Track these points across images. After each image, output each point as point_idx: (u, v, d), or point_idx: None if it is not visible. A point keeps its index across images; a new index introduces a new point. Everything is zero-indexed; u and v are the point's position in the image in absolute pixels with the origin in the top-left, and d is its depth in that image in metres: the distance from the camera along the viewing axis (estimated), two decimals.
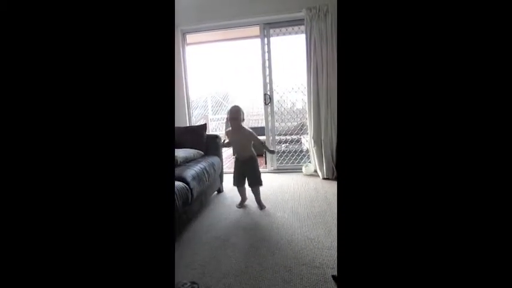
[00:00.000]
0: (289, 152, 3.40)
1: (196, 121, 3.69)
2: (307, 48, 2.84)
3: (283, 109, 3.41)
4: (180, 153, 2.17)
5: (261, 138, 2.42)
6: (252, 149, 2.19)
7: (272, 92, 3.19)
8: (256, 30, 3.14)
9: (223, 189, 2.63)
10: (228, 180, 2.43)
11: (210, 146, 2.56)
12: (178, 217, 1.66)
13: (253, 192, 2.20)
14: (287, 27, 3.11)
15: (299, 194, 2.43)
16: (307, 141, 3.26)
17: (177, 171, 1.92)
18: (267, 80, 3.17)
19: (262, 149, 2.23)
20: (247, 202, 2.27)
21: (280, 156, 3.38)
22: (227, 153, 4.55)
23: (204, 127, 2.70)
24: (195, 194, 1.86)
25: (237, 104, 2.22)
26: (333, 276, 1.24)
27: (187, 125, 3.35)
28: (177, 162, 2.07)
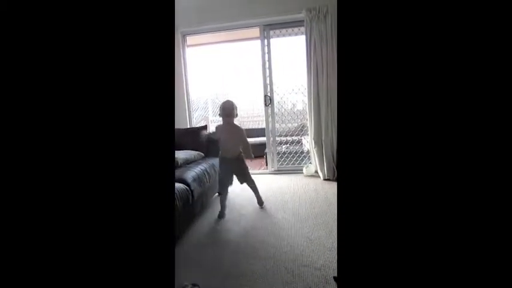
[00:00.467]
0: (290, 153, 3.40)
1: (196, 123, 3.69)
2: (307, 49, 2.85)
3: (283, 110, 3.41)
4: (181, 154, 2.17)
5: (258, 139, 2.35)
6: (240, 149, 2.08)
7: (272, 93, 3.19)
8: (256, 31, 3.15)
9: (233, 182, 2.61)
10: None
11: (210, 147, 2.56)
12: (179, 218, 1.66)
13: (251, 188, 2.14)
14: (287, 29, 3.11)
15: (300, 195, 2.43)
16: (307, 142, 3.26)
17: (178, 172, 1.92)
18: (267, 81, 3.17)
19: (246, 152, 2.08)
20: (245, 203, 2.22)
21: (281, 157, 3.38)
22: None
23: (204, 129, 2.70)
24: (195, 195, 1.86)
25: (229, 99, 2.09)
26: (335, 278, 1.24)
27: (188, 126, 3.35)
28: (178, 163, 2.07)
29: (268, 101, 3.18)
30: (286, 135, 3.65)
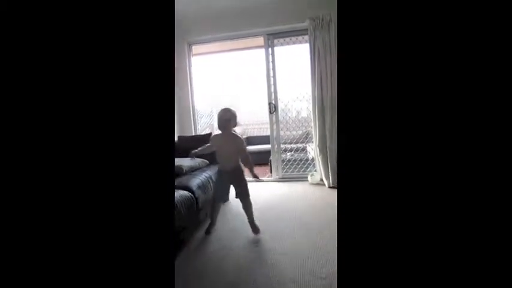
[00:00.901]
0: (295, 160, 3.39)
1: (202, 130, 3.72)
2: (311, 58, 2.87)
3: (288, 118, 3.42)
4: (186, 162, 2.19)
5: (263, 147, 1.95)
6: (239, 161, 1.84)
7: (277, 101, 3.21)
8: (260, 40, 3.19)
9: (229, 198, 2.61)
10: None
11: (215, 155, 2.57)
12: (184, 226, 1.66)
13: (244, 209, 1.84)
14: (291, 37, 3.15)
15: (305, 203, 2.41)
16: (312, 150, 3.24)
17: (183, 180, 1.93)
18: (272, 89, 3.19)
19: (246, 164, 1.83)
20: (238, 218, 1.99)
21: (286, 165, 3.37)
22: None
23: (209, 136, 2.72)
24: (200, 202, 1.86)
25: (227, 107, 1.81)
26: None
27: (193, 134, 3.38)
28: (183, 171, 2.08)
29: (273, 108, 3.20)
30: (290, 143, 3.65)
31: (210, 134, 2.80)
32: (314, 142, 3.01)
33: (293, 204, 2.41)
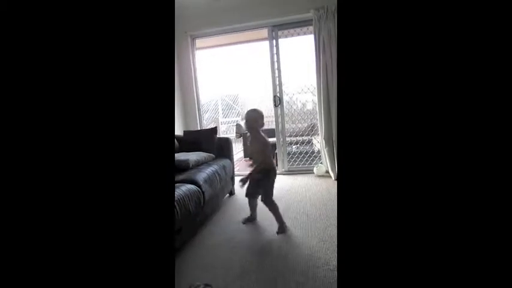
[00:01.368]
0: (301, 153, 3.38)
1: (207, 124, 3.72)
2: (316, 49, 2.83)
3: (293, 110, 3.40)
4: (192, 156, 2.20)
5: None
6: (271, 160, 1.84)
7: (282, 93, 3.18)
8: (264, 32, 3.16)
9: (235, 191, 2.64)
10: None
11: (221, 148, 2.58)
12: (191, 220, 1.68)
13: (270, 211, 1.83)
14: (295, 29, 3.10)
15: (311, 195, 2.41)
16: (318, 142, 3.23)
17: (189, 174, 1.94)
18: (277, 82, 3.17)
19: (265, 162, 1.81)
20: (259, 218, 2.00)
21: (291, 157, 3.36)
22: (238, 155, 4.57)
23: (214, 130, 2.72)
24: (207, 196, 1.88)
25: (255, 108, 1.86)
26: None
27: (198, 128, 3.39)
28: (189, 165, 2.09)
29: (278, 101, 3.18)
30: (296, 135, 3.64)
31: (215, 128, 2.80)
32: (320, 134, 2.99)
33: (300, 196, 2.41)
